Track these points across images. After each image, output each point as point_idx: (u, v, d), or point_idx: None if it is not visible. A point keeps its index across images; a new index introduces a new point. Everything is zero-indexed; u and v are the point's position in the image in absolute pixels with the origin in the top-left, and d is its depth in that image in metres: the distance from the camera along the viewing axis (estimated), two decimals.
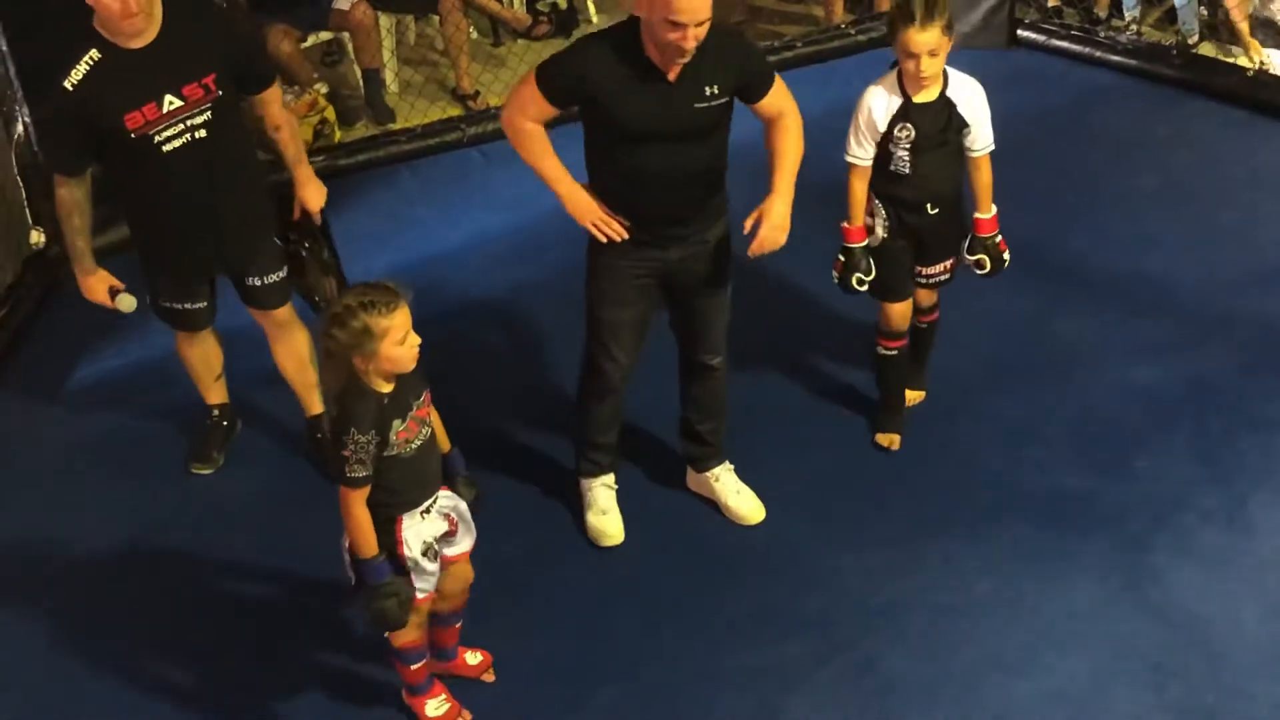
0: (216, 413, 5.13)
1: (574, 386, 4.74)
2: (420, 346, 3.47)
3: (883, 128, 4.42)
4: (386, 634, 3.76)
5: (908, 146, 4.43)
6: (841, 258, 4.62)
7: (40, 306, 6.03)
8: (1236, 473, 4.71)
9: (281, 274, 4.71)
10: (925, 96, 4.39)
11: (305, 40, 7.54)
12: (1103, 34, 7.72)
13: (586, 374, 4.54)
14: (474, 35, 8.25)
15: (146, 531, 4.79)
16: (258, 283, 4.69)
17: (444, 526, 3.68)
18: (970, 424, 5.01)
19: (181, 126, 4.32)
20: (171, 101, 4.27)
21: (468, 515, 3.76)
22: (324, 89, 7.37)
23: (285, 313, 4.78)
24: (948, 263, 4.71)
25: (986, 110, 4.45)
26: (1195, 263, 5.83)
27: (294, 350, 4.87)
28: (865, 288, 4.63)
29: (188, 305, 4.77)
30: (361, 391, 3.41)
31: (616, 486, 4.69)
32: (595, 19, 8.38)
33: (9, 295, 5.92)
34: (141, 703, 4.13)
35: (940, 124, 4.40)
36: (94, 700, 4.15)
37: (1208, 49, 7.47)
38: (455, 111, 7.59)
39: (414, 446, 3.53)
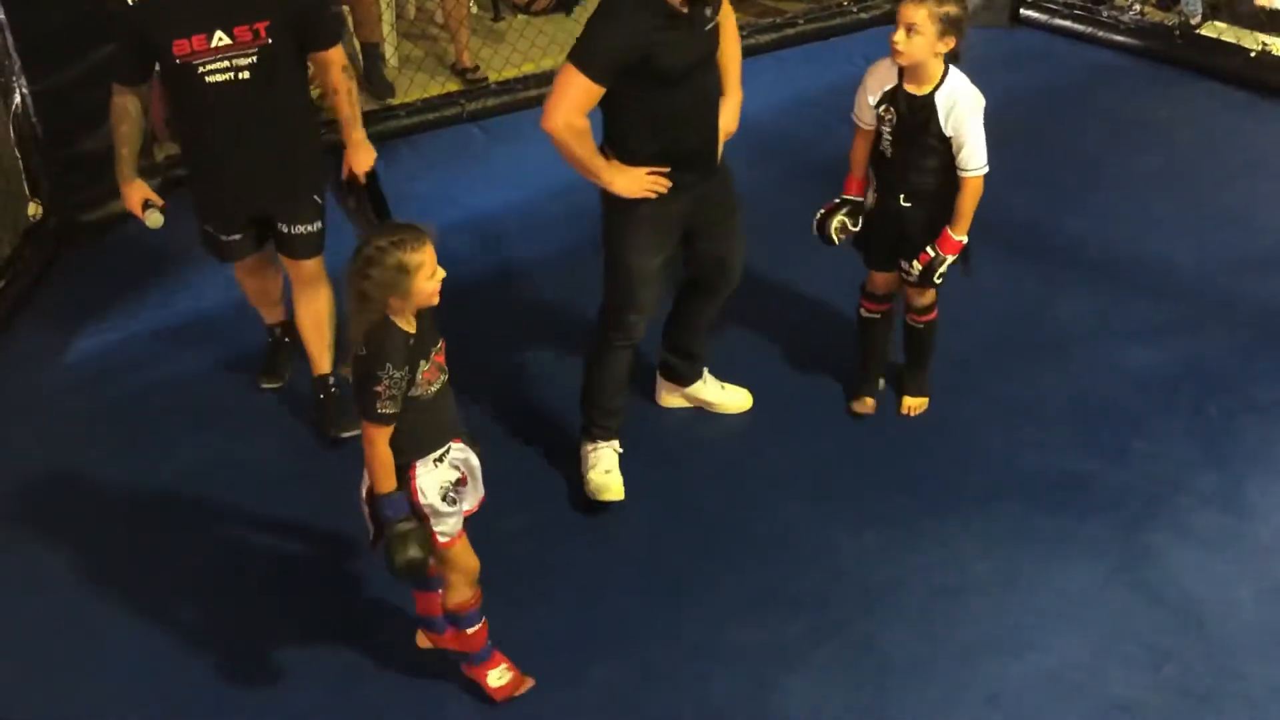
0: (279, 330, 5.27)
1: (572, 363, 4.75)
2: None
3: (872, 102, 4.45)
4: (415, 591, 3.86)
5: (889, 129, 4.45)
6: (836, 201, 4.65)
7: (38, 279, 6.01)
8: (1234, 455, 4.71)
9: (315, 226, 4.78)
10: (915, 89, 4.37)
11: None
12: (1105, 14, 7.69)
13: (608, 330, 4.55)
14: (474, 9, 8.21)
15: (146, 501, 4.79)
16: (288, 230, 4.78)
17: (456, 476, 3.70)
18: (968, 405, 5.00)
19: (226, 64, 4.41)
20: (220, 38, 4.37)
21: (478, 471, 3.78)
22: None
23: (313, 266, 4.86)
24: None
25: (976, 130, 4.37)
26: (1195, 245, 5.82)
27: (315, 307, 4.93)
28: (838, 241, 4.66)
29: (222, 236, 4.86)
30: (392, 329, 3.45)
31: (621, 451, 4.70)
32: None
33: (7, 268, 5.89)
34: (149, 666, 4.15)
35: (919, 121, 4.38)
36: (98, 667, 4.18)
37: (1210, 29, 7.44)
38: (455, 86, 7.55)
39: (434, 390, 3.58)
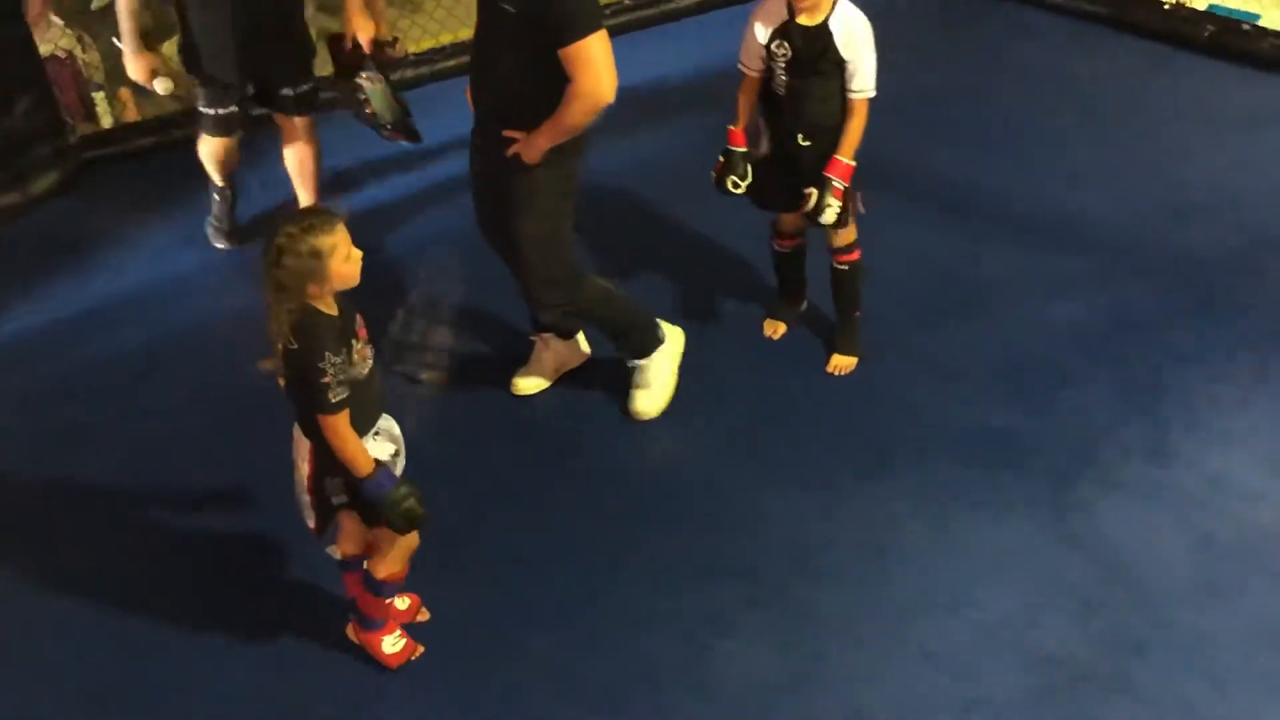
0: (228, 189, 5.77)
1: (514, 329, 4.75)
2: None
3: (763, 40, 4.50)
4: (366, 564, 3.87)
5: (784, 65, 4.50)
6: (721, 159, 4.69)
7: None
8: (1158, 406, 4.76)
9: (305, 88, 5.35)
10: (807, 20, 4.43)
11: None
12: None
13: None
14: None
15: (73, 487, 4.72)
16: (286, 92, 5.30)
17: (391, 449, 3.71)
18: (895, 363, 5.02)
19: None
20: None
21: (400, 437, 3.77)
22: None
23: (304, 123, 5.46)
24: None
25: (868, 53, 4.45)
26: (1117, 198, 5.87)
27: (301, 156, 5.55)
28: (740, 190, 4.70)
29: (219, 110, 5.33)
30: (319, 317, 3.45)
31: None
32: None
33: None
34: (69, 648, 4.10)
35: (816, 50, 4.44)
36: (20, 655, 4.12)
37: None
38: None
39: (368, 366, 3.58)
